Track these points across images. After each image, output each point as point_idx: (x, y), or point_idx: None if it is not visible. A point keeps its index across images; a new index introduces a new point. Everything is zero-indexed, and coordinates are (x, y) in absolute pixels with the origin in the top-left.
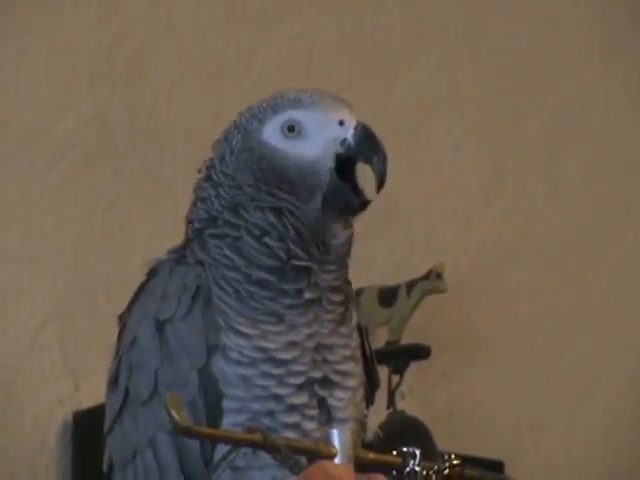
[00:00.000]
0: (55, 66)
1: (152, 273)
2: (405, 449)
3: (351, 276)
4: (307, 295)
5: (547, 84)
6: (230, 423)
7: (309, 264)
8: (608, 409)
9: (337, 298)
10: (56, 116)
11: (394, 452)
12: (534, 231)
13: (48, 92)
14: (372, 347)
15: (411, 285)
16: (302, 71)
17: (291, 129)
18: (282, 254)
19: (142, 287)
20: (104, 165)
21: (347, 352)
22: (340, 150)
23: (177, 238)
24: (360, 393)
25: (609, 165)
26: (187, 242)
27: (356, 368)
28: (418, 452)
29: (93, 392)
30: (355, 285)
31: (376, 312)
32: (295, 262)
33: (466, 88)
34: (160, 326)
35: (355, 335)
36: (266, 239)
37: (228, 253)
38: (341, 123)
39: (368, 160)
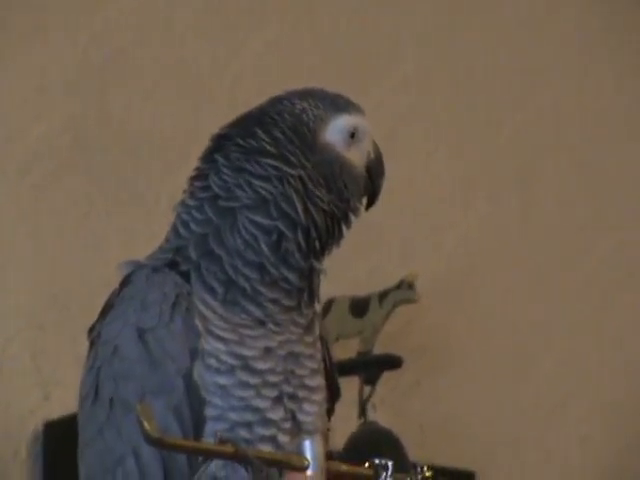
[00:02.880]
0: (28, 74)
1: (125, 282)
2: (377, 461)
3: (323, 286)
4: (306, 295)
5: (520, 95)
6: (211, 431)
7: (321, 267)
8: (582, 419)
9: (315, 300)
10: (29, 125)
11: (366, 464)
12: (507, 241)
13: (21, 100)
14: (333, 358)
15: (383, 295)
16: (276, 79)
17: (352, 135)
18: (313, 259)
19: (115, 296)
20: (78, 174)
21: (314, 364)
22: (366, 162)
23: (150, 246)
24: (324, 406)
25: (582, 176)
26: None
27: (322, 381)
28: (390, 464)
29: (64, 402)
30: (327, 295)
31: (348, 322)
32: (316, 264)
33: (439, 98)
34: (142, 335)
35: (318, 345)
36: (317, 243)
37: (263, 248)
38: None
39: (378, 178)
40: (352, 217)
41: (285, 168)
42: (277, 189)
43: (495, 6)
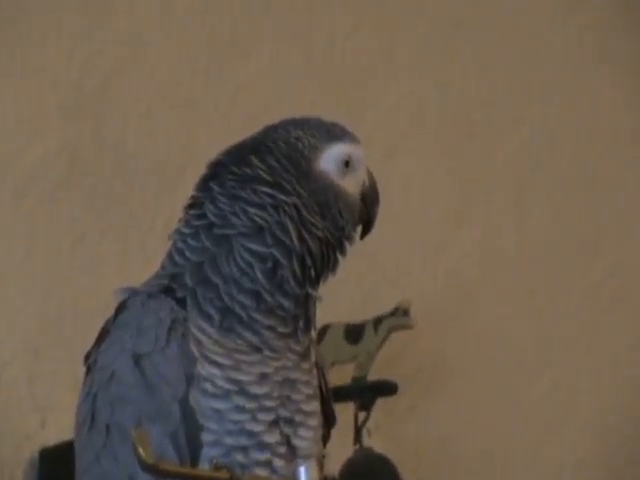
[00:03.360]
0: (23, 97)
1: (121, 308)
2: None
3: (318, 312)
4: (301, 323)
5: (516, 115)
6: (207, 456)
7: (316, 293)
8: (578, 443)
9: (312, 327)
10: (24, 148)
11: None
12: (502, 264)
13: (16, 124)
14: (329, 385)
15: (378, 321)
16: (271, 103)
17: (347, 164)
18: (309, 286)
19: (111, 323)
20: (73, 197)
21: (309, 390)
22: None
23: (145, 270)
24: (320, 432)
25: (578, 196)
26: (172, 259)
27: (317, 407)
28: None
29: (60, 428)
30: (321, 321)
31: (343, 348)
32: (311, 291)
33: (435, 119)
34: (138, 360)
35: (314, 372)
36: (312, 271)
37: (258, 275)
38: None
39: (373, 207)
40: (347, 245)
41: (280, 196)
42: (272, 217)
43: (490, 26)
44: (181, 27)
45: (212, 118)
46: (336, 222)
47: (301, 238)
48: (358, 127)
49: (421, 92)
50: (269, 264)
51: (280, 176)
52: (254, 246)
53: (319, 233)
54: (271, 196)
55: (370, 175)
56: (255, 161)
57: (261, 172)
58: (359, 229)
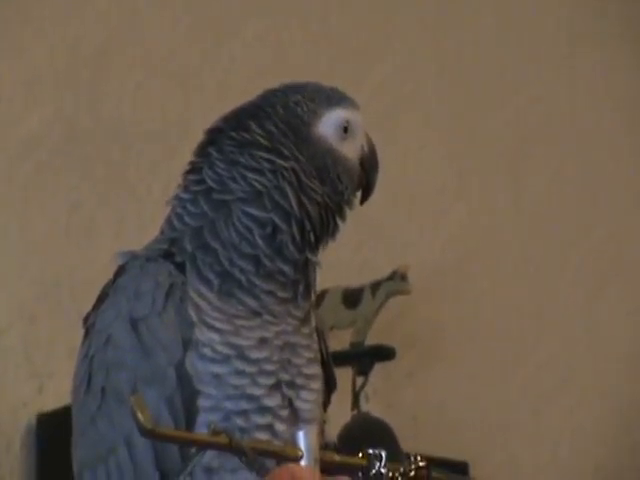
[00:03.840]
0: (19, 67)
1: (120, 272)
2: (371, 451)
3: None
4: (301, 287)
5: (511, 85)
6: (204, 421)
7: (316, 259)
8: (574, 410)
9: (312, 292)
10: (20, 117)
11: (360, 454)
12: (499, 231)
13: (12, 93)
14: (329, 349)
15: (375, 286)
16: (267, 71)
17: (345, 129)
18: (308, 251)
19: (110, 286)
20: (69, 166)
21: (310, 354)
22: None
23: (141, 238)
24: (321, 395)
25: (574, 165)
26: (171, 225)
27: (319, 370)
28: (384, 454)
29: (57, 394)
30: (319, 286)
31: (340, 313)
32: (311, 256)
33: (431, 88)
34: (135, 324)
35: (315, 336)
36: (312, 236)
37: (258, 241)
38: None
39: (372, 173)
40: (346, 210)
41: (278, 161)
42: (271, 182)
43: None
44: None
45: (208, 87)
46: (335, 187)
47: (300, 203)
48: (355, 96)
49: (416, 61)
50: (268, 229)
51: (278, 141)
52: (253, 211)
53: (318, 198)
54: (269, 161)
55: (369, 140)
56: (253, 126)
57: (259, 137)
58: (358, 194)
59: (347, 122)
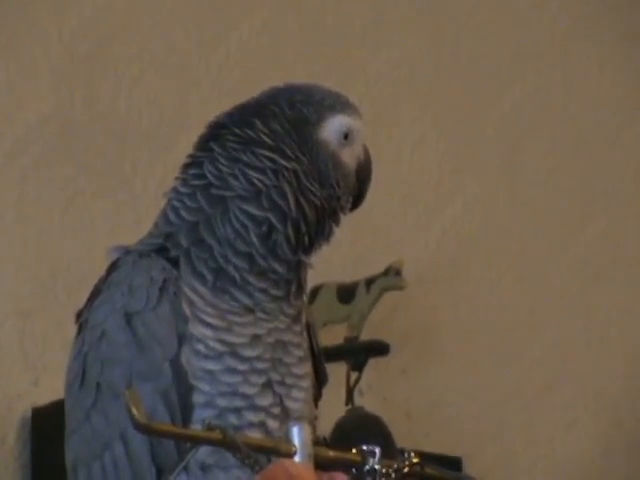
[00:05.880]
0: (15, 61)
1: (113, 267)
2: (365, 447)
3: (310, 272)
4: (294, 286)
5: (507, 78)
6: (199, 418)
7: (309, 260)
8: (569, 406)
9: (304, 290)
10: (17, 111)
11: (354, 450)
12: (494, 227)
13: (8, 87)
14: (319, 344)
15: (370, 282)
16: (263, 67)
17: (346, 136)
18: (302, 253)
19: (103, 282)
20: (64, 160)
21: (301, 353)
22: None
23: (137, 233)
24: (311, 393)
25: (569, 160)
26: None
27: (309, 369)
28: (378, 450)
29: (52, 387)
30: (314, 281)
31: (335, 308)
32: (304, 258)
33: (426, 83)
34: (129, 319)
35: (305, 334)
36: (306, 238)
37: (253, 239)
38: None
39: (365, 182)
40: (341, 215)
41: (281, 161)
42: (271, 181)
43: None
44: None
45: (204, 82)
46: (333, 191)
47: (298, 204)
48: (350, 90)
49: (412, 55)
50: (264, 228)
51: (282, 141)
52: (250, 209)
53: (316, 201)
54: (272, 160)
55: (366, 151)
56: (258, 124)
57: (263, 136)
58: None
59: (349, 129)
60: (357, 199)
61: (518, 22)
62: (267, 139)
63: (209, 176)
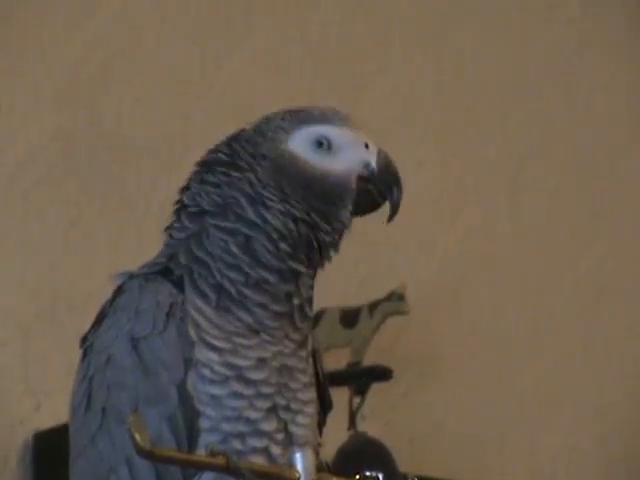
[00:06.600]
0: (19, 81)
1: (119, 292)
2: (368, 473)
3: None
4: (295, 301)
5: (511, 101)
6: (205, 443)
7: (304, 270)
8: (572, 429)
9: (309, 312)
10: (20, 130)
11: (357, 476)
12: (496, 250)
13: (12, 106)
14: (324, 370)
15: (373, 306)
16: (266, 86)
17: (320, 144)
18: (291, 261)
19: (108, 307)
20: (68, 180)
21: (306, 379)
22: (364, 173)
23: (140, 254)
24: (316, 419)
25: (572, 182)
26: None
27: (314, 395)
28: (381, 476)
29: (54, 412)
30: (317, 306)
31: (338, 333)
32: (295, 266)
33: (430, 104)
34: (135, 344)
35: (310, 360)
36: (282, 245)
37: (234, 250)
38: (366, 146)
39: (388, 189)
40: (328, 227)
41: (233, 173)
42: (227, 194)
43: (483, 13)
44: (176, 12)
45: (207, 103)
46: (311, 202)
47: (257, 212)
48: (352, 112)
49: (415, 78)
50: (240, 238)
51: (237, 156)
52: (221, 223)
53: (280, 207)
54: (225, 174)
55: (381, 156)
56: (222, 147)
57: (221, 155)
58: (386, 212)
59: (323, 137)
60: (392, 208)
61: (521, 44)
62: (224, 157)
63: (184, 198)
